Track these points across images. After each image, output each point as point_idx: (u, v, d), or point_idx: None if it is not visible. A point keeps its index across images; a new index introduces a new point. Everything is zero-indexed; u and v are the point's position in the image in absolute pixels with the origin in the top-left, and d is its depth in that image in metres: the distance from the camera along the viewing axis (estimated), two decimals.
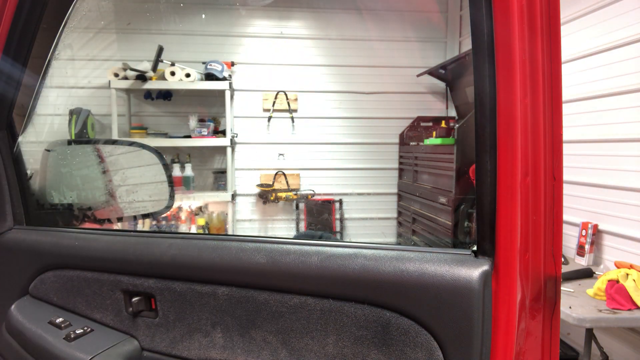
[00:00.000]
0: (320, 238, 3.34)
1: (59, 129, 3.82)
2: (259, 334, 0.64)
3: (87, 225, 1.01)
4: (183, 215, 3.82)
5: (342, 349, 0.59)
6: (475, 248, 0.56)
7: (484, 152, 0.53)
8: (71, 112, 3.71)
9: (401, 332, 0.56)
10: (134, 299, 0.74)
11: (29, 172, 0.91)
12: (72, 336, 0.73)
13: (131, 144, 1.09)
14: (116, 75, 3.63)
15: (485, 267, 0.53)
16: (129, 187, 1.07)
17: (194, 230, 3.75)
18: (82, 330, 0.74)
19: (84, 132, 3.74)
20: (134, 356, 0.73)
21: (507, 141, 0.52)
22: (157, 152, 1.10)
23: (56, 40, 0.88)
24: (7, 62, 0.83)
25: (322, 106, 4.13)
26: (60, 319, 0.77)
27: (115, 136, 3.66)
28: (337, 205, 4.22)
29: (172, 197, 1.11)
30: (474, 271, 0.53)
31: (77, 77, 3.92)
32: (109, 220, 1.07)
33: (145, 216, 1.11)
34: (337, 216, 4.23)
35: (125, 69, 3.61)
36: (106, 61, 3.87)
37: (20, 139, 0.89)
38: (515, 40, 0.51)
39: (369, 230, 4.28)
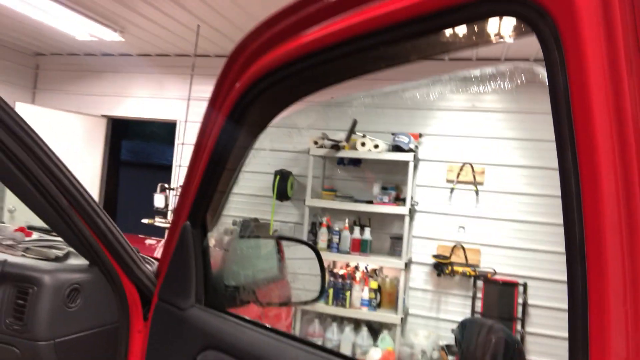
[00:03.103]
0: (490, 329, 3.11)
1: (266, 186, 4.45)
2: None
3: (250, 306, 1.20)
4: (358, 276, 3.99)
5: None
6: None
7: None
8: (276, 172, 4.30)
9: None
10: None
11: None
12: None
13: (296, 240, 1.26)
14: (315, 143, 4.10)
15: None
16: (289, 276, 1.24)
17: (366, 292, 3.88)
18: None
19: (284, 191, 4.28)
20: None
21: None
22: (316, 249, 1.25)
23: (244, 158, 1.10)
24: (207, 177, 1.08)
25: (510, 181, 3.92)
26: None
27: (308, 197, 4.09)
28: (520, 288, 3.87)
29: (323, 290, 1.24)
30: None
31: (284, 143, 4.53)
32: (270, 304, 1.24)
33: (298, 304, 1.26)
34: (520, 301, 3.87)
35: (323, 139, 4.06)
36: (309, 130, 4.39)
37: (209, 234, 1.13)
38: None
39: (558, 322, 3.78)
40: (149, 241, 2.71)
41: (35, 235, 1.47)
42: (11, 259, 1.20)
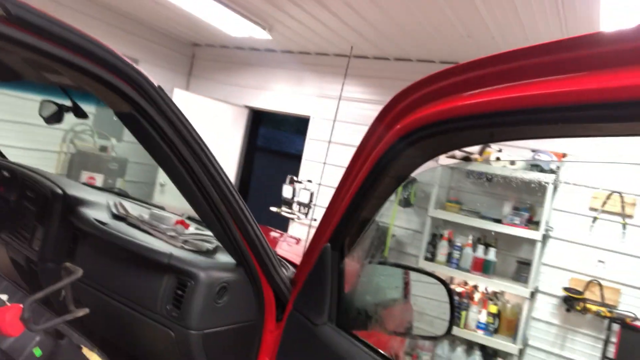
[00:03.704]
0: None
1: None
2: None
3: (376, 331, 1.24)
4: (476, 297, 3.83)
5: None
6: None
7: None
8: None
9: None
10: None
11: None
12: None
13: (430, 274, 1.26)
14: (447, 153, 3.99)
15: None
16: (415, 310, 1.25)
17: (484, 315, 3.71)
18: None
19: (407, 197, 4.25)
20: None
21: None
22: (446, 283, 1.24)
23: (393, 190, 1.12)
24: (354, 205, 1.12)
25: None
26: None
27: (432, 206, 4.01)
28: None
29: (451, 326, 1.22)
30: None
31: None
32: (395, 332, 1.26)
33: (422, 337, 1.26)
34: None
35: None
36: None
37: (346, 258, 1.18)
38: None
39: None
40: (273, 233, 2.90)
41: (192, 228, 1.66)
42: (175, 252, 1.37)
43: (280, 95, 5.57)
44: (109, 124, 5.23)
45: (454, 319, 1.18)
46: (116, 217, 1.67)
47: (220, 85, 5.97)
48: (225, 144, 5.70)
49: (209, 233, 1.65)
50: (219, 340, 1.35)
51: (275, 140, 10.67)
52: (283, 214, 4.56)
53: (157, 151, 1.16)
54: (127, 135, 5.54)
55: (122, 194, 2.15)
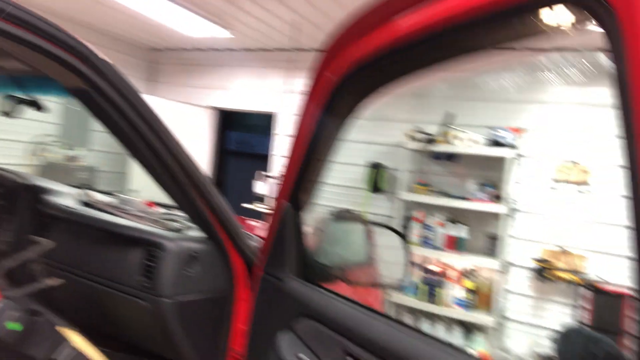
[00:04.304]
0: (598, 344, 2.91)
1: (360, 178, 4.53)
2: None
3: (339, 284, 1.30)
4: (452, 274, 3.93)
5: None
6: None
7: None
8: (370, 165, 4.38)
9: None
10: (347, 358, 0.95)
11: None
12: None
13: (384, 226, 1.33)
14: (410, 137, 4.10)
15: None
16: (377, 260, 1.31)
17: (460, 291, 3.81)
18: None
19: (377, 183, 4.34)
20: None
21: None
22: (402, 234, 1.31)
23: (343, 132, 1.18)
24: (306, 161, 1.19)
25: (623, 182, 3.59)
26: (302, 356, 1.04)
27: (401, 189, 4.11)
28: (632, 301, 3.56)
29: (406, 277, 1.29)
30: None
31: (379, 135, 4.56)
32: (357, 283, 1.33)
33: (384, 287, 1.33)
34: (631, 314, 3.56)
35: (417, 132, 4.05)
36: (404, 123, 4.37)
37: (305, 213, 1.25)
38: None
39: None
40: (249, 222, 2.95)
41: (160, 210, 1.70)
42: (143, 225, 1.41)
43: (245, 93, 5.61)
44: (77, 133, 5.19)
45: (410, 268, 1.24)
46: (84, 204, 1.69)
47: (183, 89, 5.97)
48: (194, 148, 5.69)
49: (180, 214, 1.69)
50: (194, 310, 1.39)
51: (247, 144, 10.66)
52: (256, 208, 4.61)
53: (113, 126, 1.20)
54: (97, 144, 5.50)
55: (90, 189, 2.16)
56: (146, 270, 1.34)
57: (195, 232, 1.50)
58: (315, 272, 1.25)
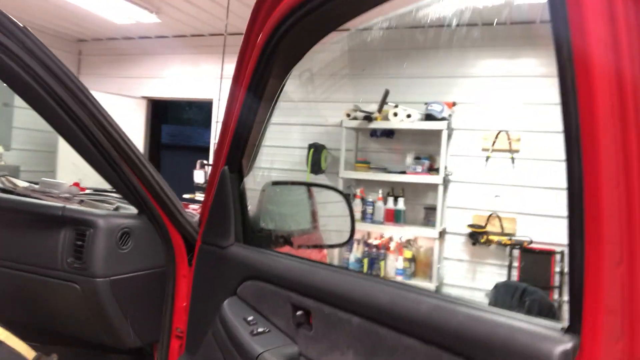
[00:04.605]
0: (523, 292, 3.10)
1: (300, 160, 4.53)
2: None
3: (284, 247, 1.28)
4: (392, 246, 4.04)
5: None
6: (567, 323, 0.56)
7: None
8: (310, 146, 4.38)
9: None
10: (297, 313, 0.94)
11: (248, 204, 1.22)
12: (255, 332, 0.97)
13: (325, 186, 1.33)
14: (348, 115, 4.14)
15: (567, 348, 0.53)
16: (320, 221, 1.31)
17: (400, 261, 3.93)
18: (262, 329, 0.98)
19: (318, 164, 4.35)
20: (293, 358, 0.93)
21: None
22: (345, 195, 1.32)
23: (279, 92, 1.15)
24: (242, 121, 1.15)
25: (546, 148, 3.84)
26: (251, 318, 1.02)
27: (342, 168, 4.15)
28: (557, 257, 3.83)
29: (352, 234, 1.30)
30: (553, 348, 0.54)
31: (317, 117, 4.58)
32: (301, 246, 1.32)
33: (329, 246, 1.33)
34: (557, 269, 3.83)
35: (355, 110, 4.09)
36: (342, 103, 4.41)
37: (245, 178, 1.21)
38: None
39: None
40: (192, 206, 2.86)
41: (88, 191, 1.60)
42: (69, 205, 1.32)
43: (179, 81, 5.42)
44: None
45: (354, 224, 1.25)
46: (3, 190, 1.56)
47: (113, 80, 5.67)
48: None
49: (110, 195, 1.60)
50: (130, 288, 1.33)
51: (182, 136, 10.35)
52: (197, 198, 4.48)
53: (27, 91, 1.10)
54: (17, 142, 5.12)
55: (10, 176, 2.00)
56: (76, 251, 1.26)
57: (129, 210, 1.43)
58: (259, 237, 1.23)
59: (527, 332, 0.59)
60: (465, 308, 0.66)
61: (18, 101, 4.97)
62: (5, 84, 1.08)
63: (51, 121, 1.16)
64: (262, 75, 1.06)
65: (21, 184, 1.62)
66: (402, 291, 0.76)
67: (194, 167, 4.72)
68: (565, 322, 0.58)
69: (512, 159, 3.96)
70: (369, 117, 4.01)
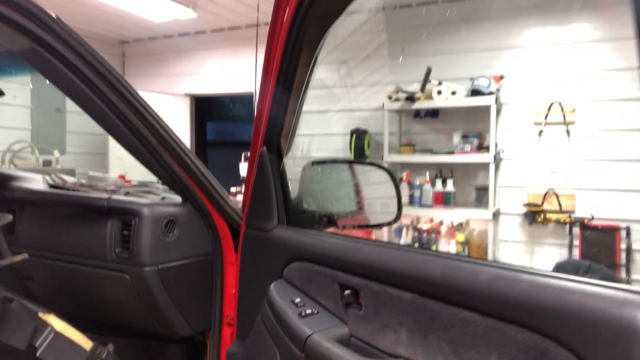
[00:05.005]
0: (588, 270, 2.92)
1: (343, 147, 4.48)
2: (434, 340, 0.70)
3: (328, 228, 1.24)
4: (443, 230, 3.92)
5: None
6: None
7: None
8: (352, 132, 4.31)
9: None
10: (345, 292, 0.89)
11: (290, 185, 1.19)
12: (303, 314, 0.93)
13: (370, 163, 1.27)
14: (389, 97, 4.04)
15: None
16: (365, 200, 1.26)
17: (453, 245, 3.81)
18: (310, 311, 0.94)
19: (361, 149, 4.28)
20: (344, 339, 0.88)
21: None
22: (390, 171, 1.26)
23: (313, 62, 1.10)
24: (277, 99, 1.12)
25: (606, 117, 3.58)
26: (298, 300, 0.98)
27: (386, 152, 4.06)
28: (623, 233, 3.58)
29: (399, 211, 1.24)
30: (637, 313, 0.47)
31: (358, 101, 4.50)
32: (346, 227, 1.27)
33: (375, 226, 1.28)
34: (623, 246, 3.58)
35: (397, 92, 3.98)
36: (382, 85, 4.31)
37: (284, 159, 1.18)
38: None
39: None
40: (239, 196, 2.88)
41: (134, 183, 1.62)
42: (114, 196, 1.33)
43: (219, 76, 5.48)
44: (50, 136, 5.04)
45: (401, 203, 1.19)
46: (53, 186, 1.60)
47: (156, 79, 5.82)
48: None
49: (155, 187, 1.61)
50: (178, 276, 1.33)
51: (227, 132, 10.55)
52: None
53: (69, 85, 1.11)
54: (71, 146, 5.36)
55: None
56: (123, 241, 1.27)
57: (175, 199, 1.43)
58: (301, 219, 1.19)
59: (603, 297, 0.52)
60: (528, 275, 0.59)
61: (70, 105, 5.19)
62: (60, 90, 1.11)
63: (89, 110, 1.17)
64: (294, 46, 1.01)
65: (69, 179, 1.66)
66: (456, 262, 0.69)
67: (240, 160, 4.78)
68: None
69: (568, 131, 3.72)
70: (411, 98, 3.89)
